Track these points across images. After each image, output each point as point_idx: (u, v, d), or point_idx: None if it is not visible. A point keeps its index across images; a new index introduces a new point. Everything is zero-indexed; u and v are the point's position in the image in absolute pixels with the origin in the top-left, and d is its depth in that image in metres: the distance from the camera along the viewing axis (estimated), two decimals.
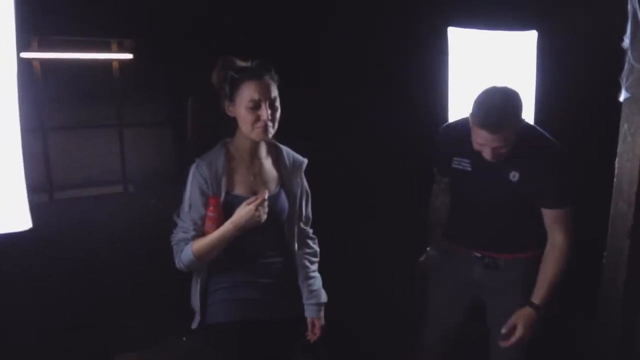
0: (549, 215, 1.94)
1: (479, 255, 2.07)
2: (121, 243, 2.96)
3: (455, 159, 2.01)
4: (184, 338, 2.67)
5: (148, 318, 2.76)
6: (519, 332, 1.83)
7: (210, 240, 1.69)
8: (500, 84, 1.85)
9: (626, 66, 1.85)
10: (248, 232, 1.69)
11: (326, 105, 2.98)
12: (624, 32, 1.80)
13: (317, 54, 2.99)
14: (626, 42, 1.84)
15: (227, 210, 1.70)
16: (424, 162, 2.24)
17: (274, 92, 1.69)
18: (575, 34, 2.31)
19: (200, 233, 1.71)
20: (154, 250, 2.74)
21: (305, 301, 1.92)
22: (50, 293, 2.70)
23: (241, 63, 1.70)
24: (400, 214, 2.24)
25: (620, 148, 2.04)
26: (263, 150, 1.80)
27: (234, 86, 1.67)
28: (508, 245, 2.06)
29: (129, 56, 3.22)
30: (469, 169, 1.98)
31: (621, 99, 1.91)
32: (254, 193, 1.73)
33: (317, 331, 1.93)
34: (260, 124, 1.66)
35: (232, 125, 1.75)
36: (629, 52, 1.84)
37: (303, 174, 1.88)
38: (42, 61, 3.09)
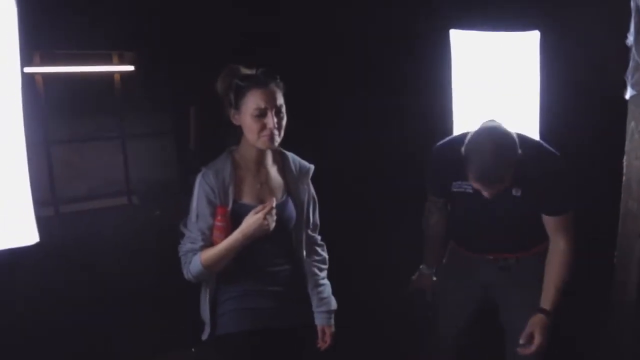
0: (550, 221, 1.92)
1: (490, 257, 2.05)
2: (126, 255, 2.93)
3: (455, 183, 1.94)
4: (192, 349, 2.63)
5: (155, 330, 2.72)
6: (537, 340, 1.83)
7: (219, 250, 1.65)
8: (492, 119, 1.83)
9: (631, 63, 1.83)
10: (256, 240, 1.65)
11: (328, 110, 2.95)
12: (627, 29, 1.77)
13: (319, 59, 2.96)
14: (630, 39, 1.81)
15: (234, 219, 1.66)
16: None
17: (280, 100, 1.66)
18: (577, 32, 2.28)
19: (209, 243, 1.68)
20: (160, 261, 2.71)
21: (315, 309, 1.88)
22: (56, 306, 2.66)
23: (246, 71, 1.67)
24: (408, 219, 2.19)
25: (627, 146, 2.01)
26: (269, 157, 1.76)
27: (239, 94, 1.64)
28: (517, 245, 2.04)
29: (130, 68, 3.20)
30: (471, 190, 1.90)
31: (627, 96, 1.89)
32: (261, 201, 1.70)
33: (328, 339, 1.89)
34: (266, 133, 1.63)
35: (236, 133, 1.72)
36: (633, 49, 1.82)
37: (310, 181, 1.85)
38: (45, 75, 3.07)
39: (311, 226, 1.87)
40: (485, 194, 1.80)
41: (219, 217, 1.66)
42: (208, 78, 1.84)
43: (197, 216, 1.69)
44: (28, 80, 2.93)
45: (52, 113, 3.13)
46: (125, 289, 2.85)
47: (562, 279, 1.88)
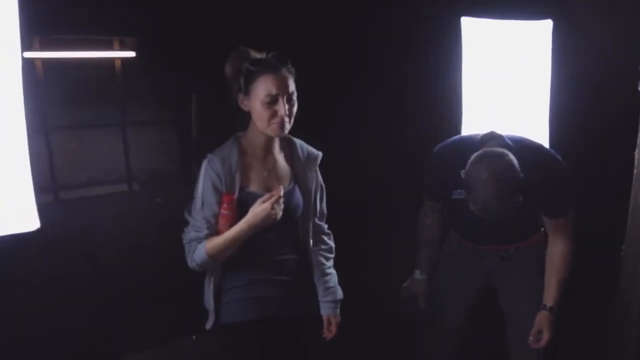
0: (550, 223, 1.91)
1: (490, 248, 2.05)
2: (127, 242, 2.87)
3: (455, 191, 1.88)
4: (193, 337, 2.58)
5: (157, 318, 2.66)
6: (546, 337, 1.87)
7: (225, 239, 1.59)
8: (492, 131, 1.81)
9: None
10: (262, 229, 1.60)
11: (335, 99, 2.88)
12: None
13: (326, 48, 2.88)
14: None
15: (240, 207, 1.61)
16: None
17: (292, 86, 1.59)
18: (591, 22, 2.22)
19: (214, 232, 1.62)
20: (161, 248, 2.67)
21: (321, 298, 1.84)
22: (57, 293, 2.60)
23: (256, 54, 1.60)
24: (414, 211, 2.13)
25: None
26: (276, 144, 1.71)
27: (249, 79, 1.57)
28: (516, 238, 2.04)
29: (132, 54, 3.11)
30: None
31: None
32: (268, 189, 1.65)
33: (333, 329, 1.85)
34: (276, 120, 1.57)
35: (244, 118, 1.66)
36: None
37: (317, 168, 1.79)
38: (45, 61, 2.99)
39: (318, 214, 1.82)
40: None
41: (224, 205, 1.61)
42: (211, 65, 1.78)
43: (203, 204, 1.63)
44: (28, 66, 2.86)
45: (52, 99, 3.05)
46: (126, 275, 2.80)
47: (563, 277, 1.89)
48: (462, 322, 2.18)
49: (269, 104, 1.55)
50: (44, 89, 2.99)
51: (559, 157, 1.84)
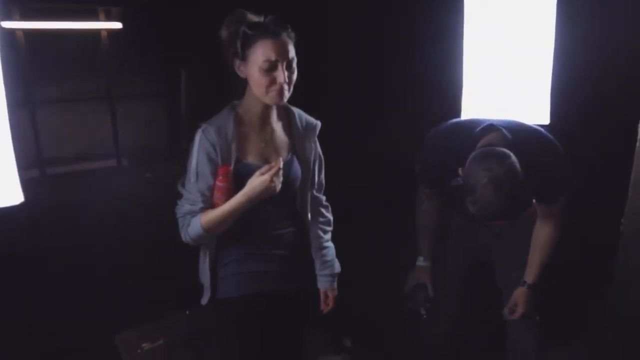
0: (542, 207, 1.85)
1: (487, 224, 2.00)
2: (116, 217, 2.77)
3: (454, 179, 1.74)
4: (187, 312, 2.49)
5: (150, 294, 2.57)
6: (519, 310, 1.90)
7: (221, 213, 1.51)
8: (491, 124, 1.72)
9: None
10: (260, 202, 1.51)
11: (328, 74, 2.77)
12: None
13: (324, 15, 2.74)
14: None
15: (237, 179, 1.52)
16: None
17: (292, 52, 1.48)
18: None
19: (209, 205, 1.53)
20: (151, 223, 2.57)
21: (318, 272, 1.77)
22: (46, 269, 2.50)
23: (254, 18, 1.48)
24: (413, 184, 2.05)
25: None
26: (274, 113, 1.61)
27: (247, 43, 1.45)
28: (511, 216, 1.95)
29: (118, 25, 2.94)
30: None
31: None
32: (266, 160, 1.55)
33: (331, 302, 1.79)
34: (275, 87, 1.46)
35: (240, 86, 1.54)
36: None
37: (316, 139, 1.69)
38: (26, 31, 2.80)
39: (316, 186, 1.74)
40: None
41: (220, 177, 1.52)
42: (201, 35, 1.66)
43: (197, 176, 1.53)
44: (8, 37, 2.69)
45: (35, 73, 2.88)
46: (115, 251, 2.70)
47: (545, 258, 1.88)
48: (457, 293, 2.15)
49: (267, 70, 1.44)
50: (26, 61, 2.81)
51: (556, 143, 1.77)
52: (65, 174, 3.04)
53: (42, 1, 2.73)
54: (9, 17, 2.68)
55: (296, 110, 1.67)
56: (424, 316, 2.05)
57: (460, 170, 1.63)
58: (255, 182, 1.47)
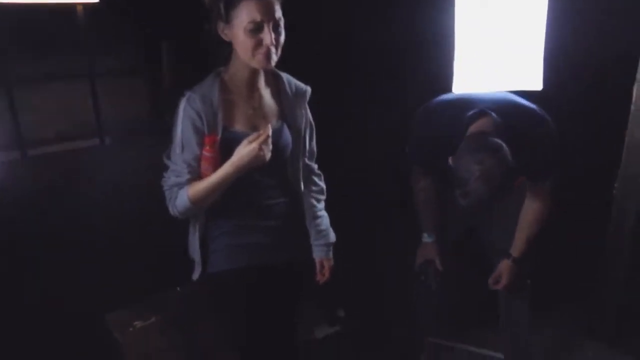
0: (531, 184, 1.81)
1: None
2: (101, 196, 2.65)
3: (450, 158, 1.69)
4: (177, 288, 2.42)
5: (140, 273, 2.49)
6: (503, 281, 1.91)
7: (209, 184, 1.42)
8: (483, 112, 1.64)
9: None
10: (249, 171, 1.43)
11: (318, 38, 2.64)
12: None
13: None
14: None
15: (224, 149, 1.44)
16: None
17: (278, 12, 1.38)
18: None
19: (196, 176, 1.45)
20: (138, 201, 2.47)
21: (313, 242, 1.71)
22: (33, 252, 2.40)
23: None
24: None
25: None
26: (262, 79, 1.51)
27: (230, 4, 1.35)
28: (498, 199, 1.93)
29: None
30: None
31: None
32: (254, 128, 1.47)
33: (327, 272, 1.73)
34: (262, 50, 1.36)
35: (222, 52, 1.45)
36: None
37: (307, 105, 1.60)
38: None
39: (308, 154, 1.66)
40: None
41: (207, 147, 1.43)
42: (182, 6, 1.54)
43: (182, 146, 1.44)
44: None
45: (10, 51, 2.73)
46: (102, 231, 2.59)
47: (532, 234, 1.85)
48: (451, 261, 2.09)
49: (252, 31, 1.34)
50: (0, 39, 2.66)
51: (548, 122, 1.71)
52: (47, 154, 2.91)
53: None
54: None
55: (285, 76, 1.57)
56: (435, 290, 2.03)
57: (450, 160, 1.59)
58: (243, 151, 1.39)
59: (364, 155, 2.63)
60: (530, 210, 1.84)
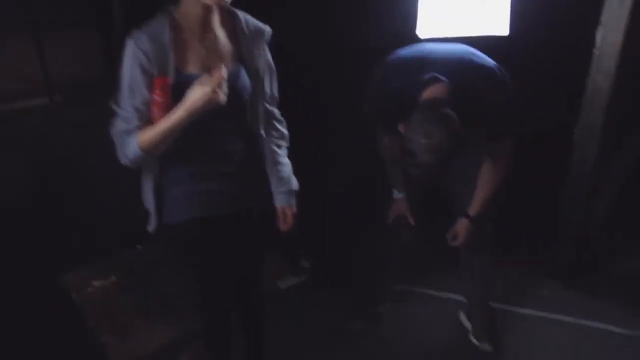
0: (490, 144, 1.76)
1: None
2: (54, 156, 2.49)
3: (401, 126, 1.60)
4: (138, 246, 2.32)
5: (93, 232, 2.36)
6: (460, 239, 1.91)
7: (160, 130, 1.31)
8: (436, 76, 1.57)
9: None
10: (205, 116, 1.32)
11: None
12: None
13: None
14: None
15: (177, 93, 1.32)
16: None
17: None
18: None
19: (146, 122, 1.34)
20: (91, 160, 2.33)
21: (274, 189, 1.62)
22: None
23: None
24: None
25: (604, 16, 1.79)
26: (216, 18, 1.39)
27: None
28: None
29: None
30: None
31: None
32: (208, 71, 1.35)
33: (289, 221, 1.65)
34: None
35: None
36: None
37: (266, 47, 1.49)
38: None
39: (268, 99, 1.56)
40: None
41: (157, 91, 1.31)
42: None
43: (130, 90, 1.32)
44: None
45: None
46: (54, 190, 2.45)
47: (488, 195, 1.83)
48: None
49: None
50: None
51: (506, 81, 1.64)
52: None
53: None
54: None
55: (242, 14, 1.45)
56: (406, 243, 2.04)
57: (401, 127, 1.53)
58: (196, 94, 1.28)
59: (330, 103, 2.52)
60: (488, 172, 1.80)
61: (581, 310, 2.23)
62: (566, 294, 2.36)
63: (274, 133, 1.60)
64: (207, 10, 1.33)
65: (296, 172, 1.64)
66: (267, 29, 1.49)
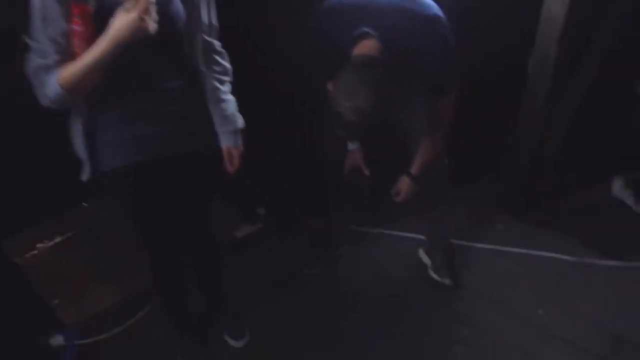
0: (431, 99, 1.63)
1: None
2: None
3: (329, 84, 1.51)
4: (84, 204, 2.14)
5: (35, 193, 2.15)
6: (402, 196, 1.85)
7: (82, 65, 1.14)
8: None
9: None
10: (137, 48, 1.16)
11: None
12: None
13: None
14: None
15: (99, 21, 1.14)
16: None
17: None
18: None
19: (66, 56, 1.16)
20: (18, 115, 2.09)
21: (218, 128, 1.48)
22: None
23: None
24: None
25: None
26: None
27: None
28: None
29: None
30: None
31: None
32: None
33: (236, 161, 1.52)
34: None
35: None
36: None
37: None
38: None
39: (206, 28, 1.39)
40: None
41: (75, 19, 1.13)
42: None
43: (43, 19, 1.13)
44: None
45: None
46: None
47: (430, 157, 1.77)
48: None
49: None
50: None
51: (444, 29, 1.50)
52: None
53: None
54: None
55: None
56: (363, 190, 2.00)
57: (330, 85, 1.43)
58: (121, 22, 1.11)
59: (275, 30, 2.32)
60: (431, 131, 1.71)
61: (533, 242, 2.26)
62: (519, 227, 2.38)
63: (215, 67, 1.45)
64: None
65: (241, 109, 1.50)
66: None
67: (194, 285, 1.83)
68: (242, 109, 1.52)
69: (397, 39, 1.44)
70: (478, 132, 2.28)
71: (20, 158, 2.13)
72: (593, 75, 2.23)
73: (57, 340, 1.95)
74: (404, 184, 1.83)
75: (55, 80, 1.15)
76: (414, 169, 1.79)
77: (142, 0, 1.12)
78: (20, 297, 2.00)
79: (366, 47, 1.45)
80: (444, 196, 2.00)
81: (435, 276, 2.12)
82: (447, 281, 2.09)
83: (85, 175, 1.34)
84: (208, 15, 1.38)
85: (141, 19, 1.11)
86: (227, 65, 1.48)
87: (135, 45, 1.15)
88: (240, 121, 1.50)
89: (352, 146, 1.94)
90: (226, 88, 1.48)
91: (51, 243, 2.09)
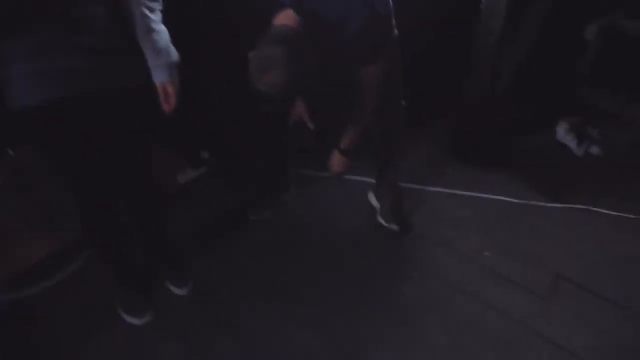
0: (356, 70, 1.51)
1: None
2: None
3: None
4: (9, 151, 1.92)
5: None
6: (334, 169, 1.81)
7: None
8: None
9: None
10: None
11: None
12: None
13: None
14: None
15: None
16: None
17: None
18: None
19: None
20: None
21: (151, 63, 1.30)
22: None
23: None
24: None
25: None
26: None
27: None
28: None
29: None
30: None
31: None
32: None
33: (172, 100, 1.36)
34: None
35: None
36: None
37: None
38: None
39: None
40: None
41: None
42: None
43: None
44: None
45: None
46: None
47: (360, 129, 1.71)
48: None
49: None
50: None
51: (365, 5, 1.36)
52: None
53: None
54: None
55: None
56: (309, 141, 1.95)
57: (251, 55, 1.28)
58: None
59: None
60: (356, 106, 1.62)
61: (481, 186, 2.25)
62: (468, 171, 2.36)
63: None
64: None
65: (175, 42, 1.32)
66: None
67: (136, 234, 1.69)
68: (177, 42, 1.33)
69: (317, 9, 1.33)
70: (430, 77, 2.19)
71: None
72: (544, 16, 2.17)
73: None
74: (335, 159, 1.80)
75: None
76: (343, 143, 1.75)
77: None
78: None
79: (285, 17, 1.34)
80: (398, 139, 1.93)
81: (382, 222, 2.07)
82: (394, 227, 2.05)
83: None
84: None
85: None
86: None
87: None
88: (173, 54, 1.32)
89: (299, 101, 1.83)
90: (156, 17, 1.28)
91: None
